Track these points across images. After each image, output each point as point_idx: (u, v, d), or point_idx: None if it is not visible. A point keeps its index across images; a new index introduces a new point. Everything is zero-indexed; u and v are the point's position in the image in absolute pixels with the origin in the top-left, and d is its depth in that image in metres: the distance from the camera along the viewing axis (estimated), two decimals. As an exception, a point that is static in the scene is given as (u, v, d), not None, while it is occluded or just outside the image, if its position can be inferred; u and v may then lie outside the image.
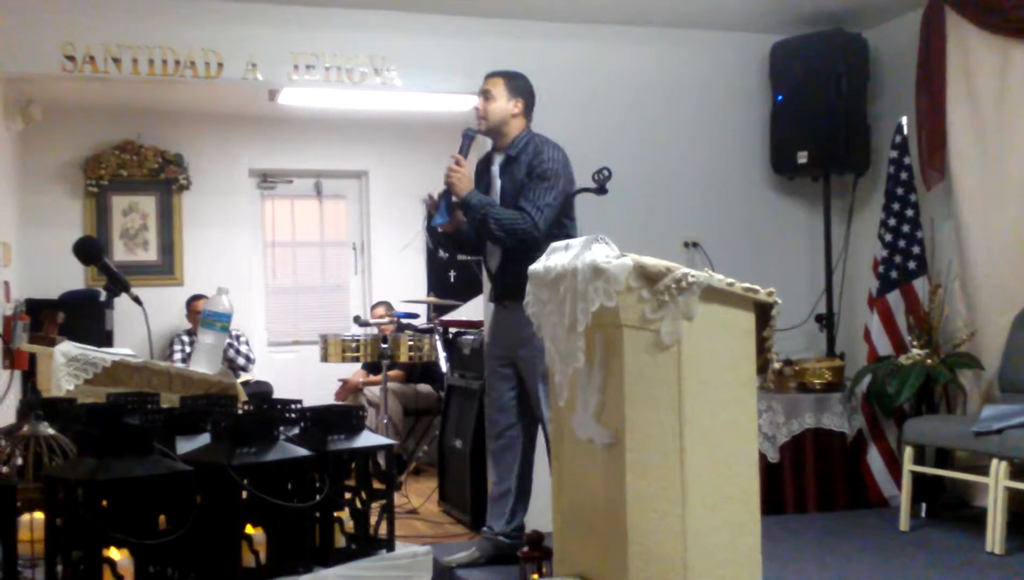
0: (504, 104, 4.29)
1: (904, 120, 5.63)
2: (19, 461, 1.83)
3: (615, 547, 3.08)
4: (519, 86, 4.36)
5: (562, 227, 4.24)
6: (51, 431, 1.88)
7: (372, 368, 7.34)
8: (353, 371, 7.63)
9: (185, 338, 7.75)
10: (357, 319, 6.99)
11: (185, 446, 2.01)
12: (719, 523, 3.12)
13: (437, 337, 6.59)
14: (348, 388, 7.54)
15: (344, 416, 2.20)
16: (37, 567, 1.82)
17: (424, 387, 7.43)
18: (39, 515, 1.82)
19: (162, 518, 1.82)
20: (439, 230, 4.42)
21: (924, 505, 5.25)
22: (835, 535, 5.00)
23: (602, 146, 5.68)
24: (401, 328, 7.09)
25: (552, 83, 5.80)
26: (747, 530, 3.19)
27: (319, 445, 2.08)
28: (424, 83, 5.66)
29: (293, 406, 2.22)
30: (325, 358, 6.21)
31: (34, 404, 1.98)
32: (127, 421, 1.81)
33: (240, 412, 2.12)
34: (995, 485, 4.50)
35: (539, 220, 4.08)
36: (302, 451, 2.03)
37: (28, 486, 1.79)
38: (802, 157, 5.95)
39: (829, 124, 5.88)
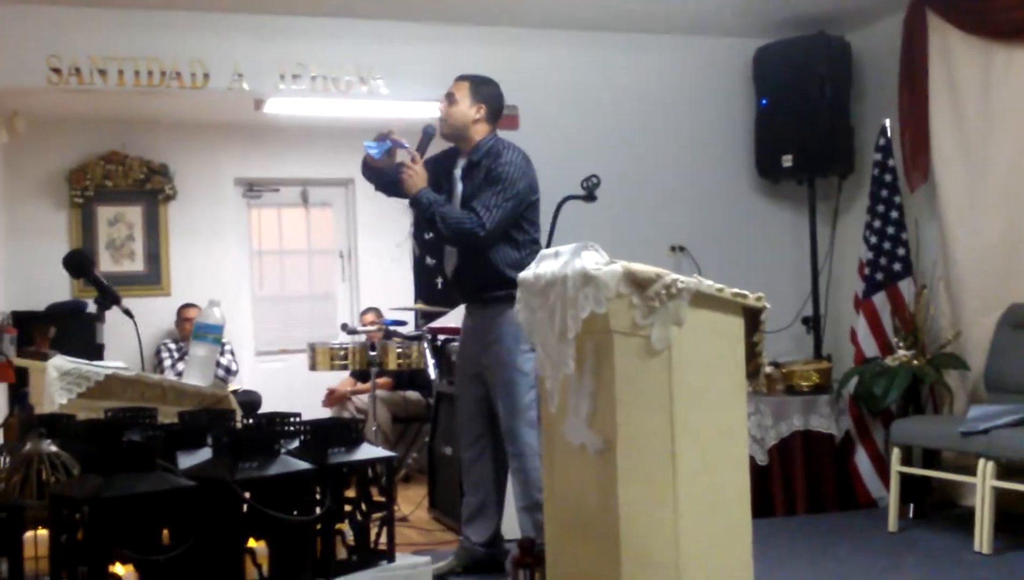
0: (465, 109, 4.21)
1: (888, 122, 5.68)
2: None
3: (608, 553, 3.09)
4: (484, 92, 4.26)
5: (523, 231, 4.18)
6: (53, 448, 1.89)
7: (360, 376, 7.33)
8: (341, 379, 7.61)
9: (172, 346, 7.74)
10: (345, 327, 6.98)
11: (186, 461, 2.02)
12: (711, 527, 3.13)
13: (425, 344, 6.59)
14: (336, 397, 7.53)
15: (344, 429, 2.21)
16: (43, 583, 1.84)
17: (412, 394, 7.43)
18: (43, 532, 1.82)
19: (165, 533, 1.82)
20: (370, 157, 4.32)
21: (912, 505, 5.28)
22: (825, 536, 5.03)
23: (587, 152, 5.72)
24: (389, 335, 7.09)
25: (537, 90, 5.85)
26: (739, 534, 3.21)
27: (319, 458, 2.09)
28: (410, 91, 5.68)
29: (292, 419, 2.23)
30: (313, 367, 6.19)
31: (36, 421, 1.98)
32: (128, 437, 1.82)
33: (241, 427, 2.13)
34: (982, 485, 4.54)
35: (486, 220, 4.01)
36: (303, 464, 2.04)
37: (33, 504, 1.79)
38: (787, 160, 5.99)
39: (813, 127, 5.93)
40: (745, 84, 6.22)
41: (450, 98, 4.25)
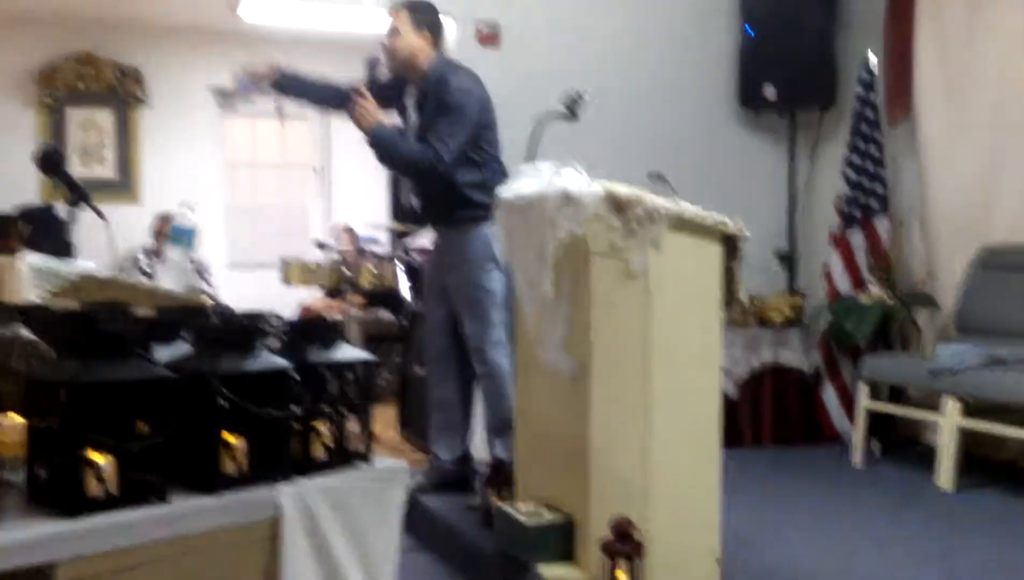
0: (411, 40, 4.06)
1: (872, 57, 5.62)
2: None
3: (577, 475, 3.11)
4: (426, 18, 4.12)
5: (481, 151, 4.07)
6: (31, 336, 1.86)
7: (334, 294, 7.30)
8: (314, 297, 7.58)
9: (142, 258, 7.64)
10: (319, 243, 6.93)
11: (162, 354, 2.00)
12: (681, 453, 3.15)
13: (399, 264, 6.55)
14: (309, 314, 7.49)
15: (323, 329, 2.20)
16: (15, 470, 1.82)
17: (385, 314, 7.41)
18: (18, 418, 1.80)
19: (141, 425, 1.80)
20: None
21: (877, 441, 5.34)
22: (790, 468, 5.09)
23: (569, 72, 5.61)
24: (363, 254, 7.05)
25: (520, 7, 5.75)
26: (708, 460, 3.23)
27: (299, 356, 2.08)
28: (392, 1, 5.55)
29: (272, 318, 2.21)
30: (286, 281, 6.16)
31: (12, 308, 1.95)
32: (105, 327, 1.79)
33: (220, 322, 2.11)
34: (948, 423, 4.59)
35: (443, 153, 3.92)
36: (283, 362, 2.02)
37: (9, 389, 1.76)
38: (769, 92, 5.94)
39: (797, 59, 5.88)
40: (732, 13, 6.13)
41: (392, 30, 4.09)
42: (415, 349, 5.77)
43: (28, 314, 1.97)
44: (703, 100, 6.17)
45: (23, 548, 1.68)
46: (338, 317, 7.00)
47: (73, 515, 1.75)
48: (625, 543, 2.86)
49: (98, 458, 1.73)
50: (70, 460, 1.74)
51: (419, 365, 5.57)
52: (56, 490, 1.78)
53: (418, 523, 4.10)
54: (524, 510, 3.25)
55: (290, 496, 2.04)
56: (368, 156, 8.37)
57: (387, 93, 4.17)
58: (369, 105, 3.98)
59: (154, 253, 7.59)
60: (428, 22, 4.12)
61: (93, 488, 1.76)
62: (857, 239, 5.62)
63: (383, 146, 4.01)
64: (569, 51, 5.83)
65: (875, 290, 5.40)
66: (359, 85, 4.04)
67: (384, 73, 4.20)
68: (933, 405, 4.86)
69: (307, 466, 2.10)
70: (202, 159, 8.18)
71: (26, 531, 1.71)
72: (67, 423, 1.72)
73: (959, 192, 5.34)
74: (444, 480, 4.34)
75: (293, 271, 6.14)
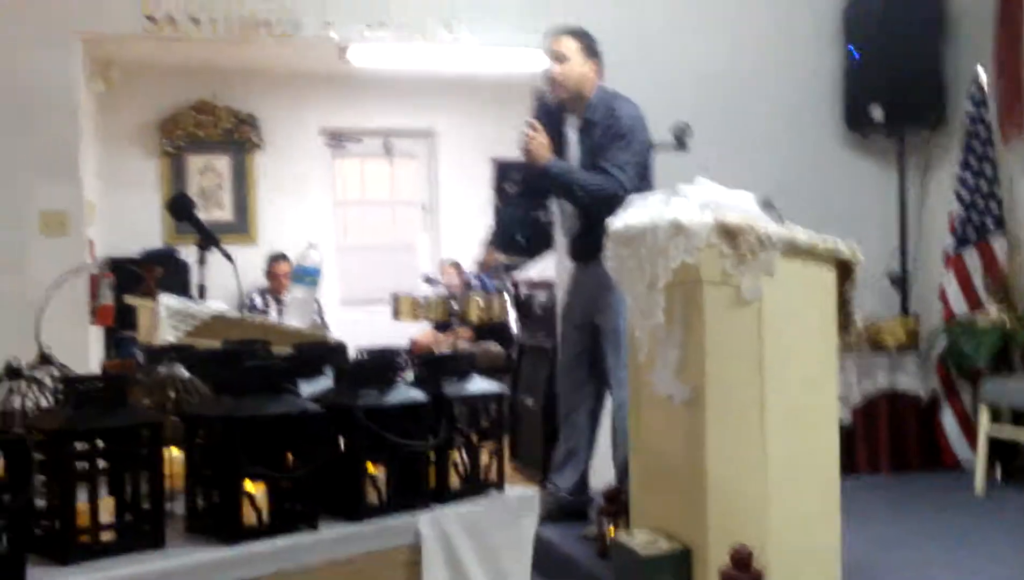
0: (579, 67, 4.09)
1: (981, 72, 5.53)
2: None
3: (695, 502, 3.12)
4: (592, 46, 4.15)
5: (646, 181, 4.10)
6: (186, 373, 1.98)
7: (442, 327, 7.42)
8: (423, 331, 7.72)
9: (256, 298, 7.87)
10: (427, 278, 7.06)
11: (305, 389, 2.11)
12: (799, 480, 3.15)
13: (507, 296, 6.64)
14: (418, 348, 7.62)
15: (456, 362, 2.29)
16: (175, 500, 1.93)
17: (493, 346, 7.50)
18: (176, 451, 1.92)
19: (290, 456, 1.91)
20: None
21: (999, 467, 5.20)
22: (909, 496, 4.99)
23: (674, 100, 5.65)
24: (470, 286, 7.16)
25: (624, 36, 5.79)
26: (827, 487, 3.22)
27: (434, 389, 2.17)
28: (495, 37, 5.66)
29: (403, 353, 2.32)
30: (396, 316, 6.28)
31: (168, 348, 2.07)
32: (253, 364, 1.91)
33: (360, 358, 2.22)
34: (1074, 445, 4.46)
35: (624, 180, 3.95)
36: (419, 394, 2.11)
37: (168, 423, 1.88)
38: (876, 113, 5.87)
39: (904, 78, 5.80)
40: (836, 33, 6.09)
41: (560, 58, 4.09)
42: (524, 380, 5.83)
43: (181, 353, 2.10)
44: (809, 124, 6.13)
45: (186, 573, 1.79)
46: (446, 350, 7.13)
47: (231, 542, 1.86)
48: (744, 572, 2.85)
49: (253, 488, 1.84)
50: (227, 490, 1.85)
51: (529, 396, 5.64)
52: (215, 518, 1.89)
53: (534, 553, 4.14)
54: (641, 539, 3.27)
55: (428, 523, 2.12)
56: (473, 192, 8.54)
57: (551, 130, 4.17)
58: (542, 138, 4.03)
59: (268, 292, 7.82)
60: (594, 51, 4.16)
61: (249, 517, 1.86)
62: (972, 259, 5.51)
63: (561, 177, 4.04)
64: (673, 79, 5.85)
65: (993, 311, 5.28)
66: (532, 120, 4.07)
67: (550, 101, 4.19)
68: (1058, 428, 4.73)
69: (443, 494, 2.19)
70: (314, 199, 8.43)
71: (188, 557, 1.82)
72: (224, 455, 1.83)
73: (1079, 208, 5.21)
74: (559, 510, 4.35)
75: (403, 306, 6.24)
